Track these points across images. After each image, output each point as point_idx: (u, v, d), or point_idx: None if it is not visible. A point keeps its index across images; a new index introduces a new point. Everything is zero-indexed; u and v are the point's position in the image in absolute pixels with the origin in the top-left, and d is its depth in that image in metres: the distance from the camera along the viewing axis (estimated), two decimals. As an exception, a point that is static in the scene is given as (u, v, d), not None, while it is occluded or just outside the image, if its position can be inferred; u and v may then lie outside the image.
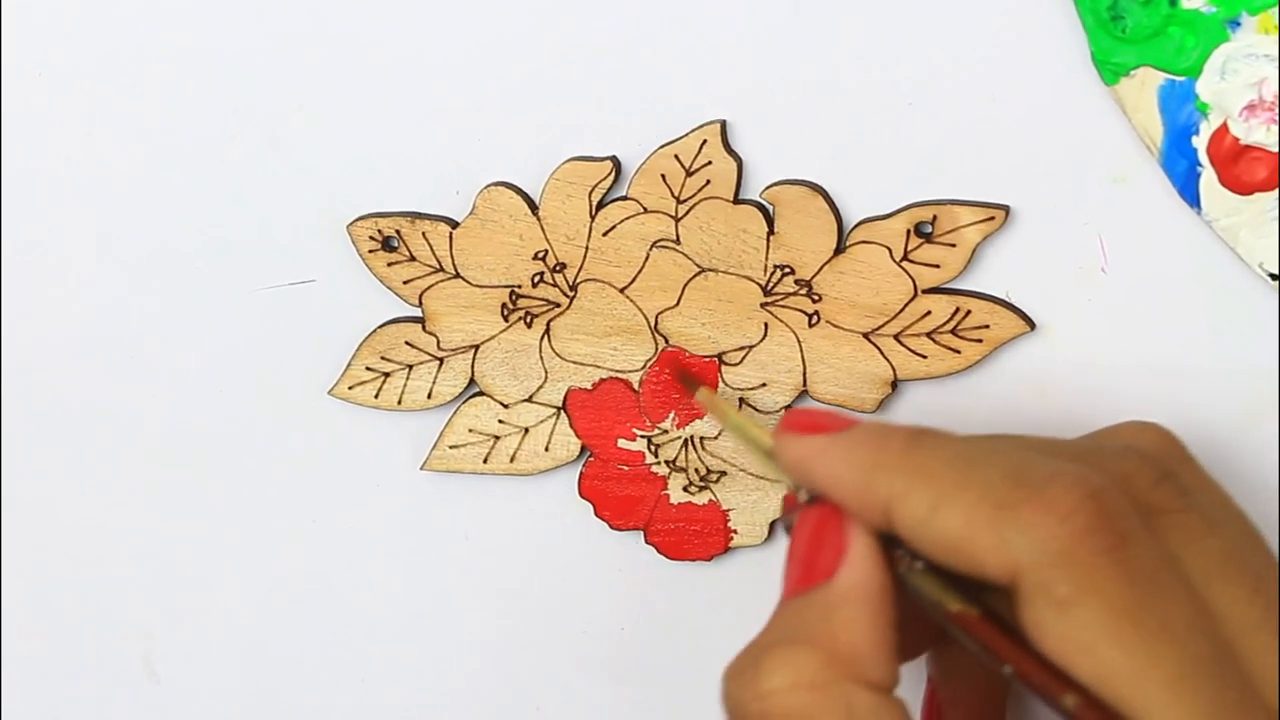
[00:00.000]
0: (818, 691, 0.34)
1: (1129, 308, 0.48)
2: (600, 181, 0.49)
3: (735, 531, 0.51)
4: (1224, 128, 0.44)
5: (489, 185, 0.50)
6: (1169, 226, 0.46)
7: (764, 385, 0.49)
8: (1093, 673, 0.34)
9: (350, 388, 0.52)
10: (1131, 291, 0.47)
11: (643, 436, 0.51)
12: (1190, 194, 0.45)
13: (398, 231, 0.50)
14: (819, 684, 0.35)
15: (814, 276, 0.48)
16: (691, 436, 0.50)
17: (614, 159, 0.49)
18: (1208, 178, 0.45)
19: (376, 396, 0.52)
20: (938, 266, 0.47)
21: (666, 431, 0.50)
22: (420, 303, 0.51)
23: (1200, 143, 0.45)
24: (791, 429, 0.39)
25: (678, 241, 0.49)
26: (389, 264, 0.51)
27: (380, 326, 0.52)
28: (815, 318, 0.48)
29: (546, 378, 0.51)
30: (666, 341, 0.50)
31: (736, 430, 0.43)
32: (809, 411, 0.40)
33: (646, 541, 0.51)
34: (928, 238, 0.47)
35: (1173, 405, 0.48)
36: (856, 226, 0.48)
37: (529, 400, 0.51)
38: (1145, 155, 0.46)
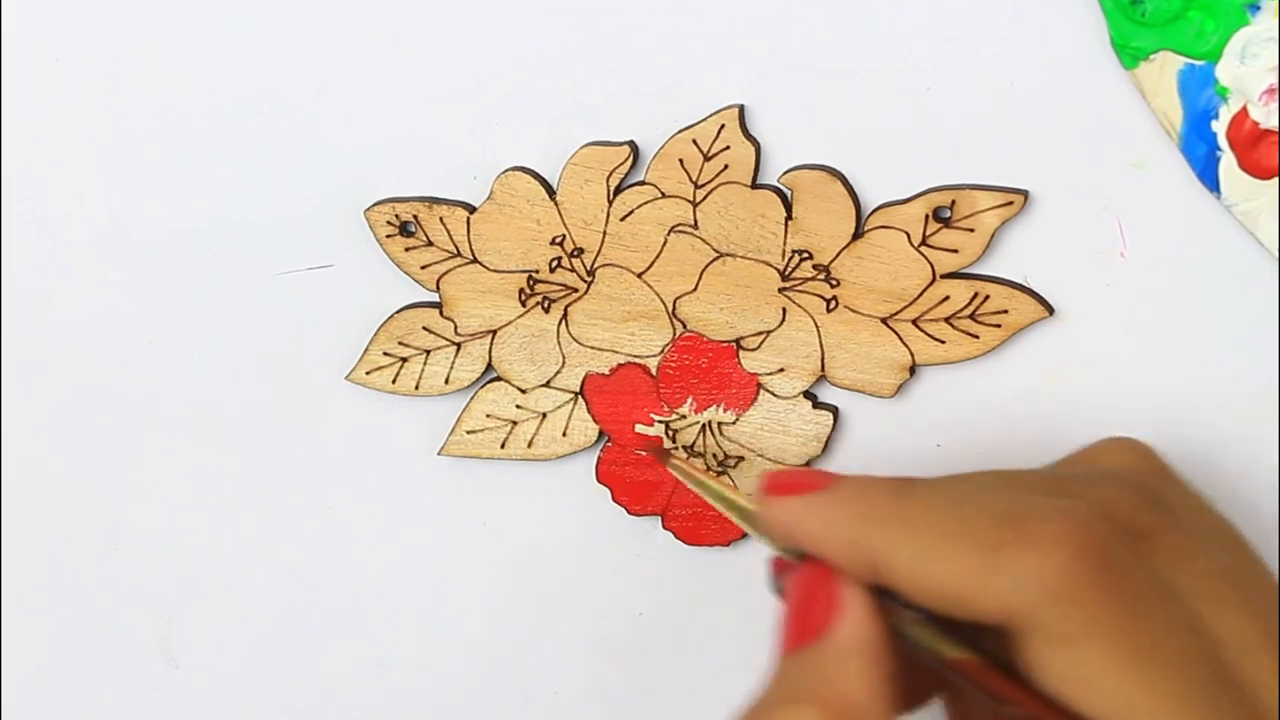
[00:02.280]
0: None
1: (1148, 293, 0.47)
2: (618, 166, 0.49)
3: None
4: (1244, 112, 0.44)
5: (506, 170, 0.50)
6: (1188, 211, 0.46)
7: (782, 370, 0.49)
8: (1095, 706, 0.33)
9: (368, 373, 0.52)
10: (1150, 276, 0.47)
11: (660, 422, 0.50)
12: (1210, 178, 0.45)
13: (415, 216, 0.50)
14: None
15: (832, 261, 0.48)
16: (709, 422, 0.50)
17: (632, 144, 0.49)
18: (1227, 162, 0.45)
19: (394, 382, 0.52)
20: (956, 251, 0.47)
21: (684, 417, 0.50)
22: (438, 288, 0.51)
23: (1220, 127, 0.45)
24: (773, 492, 0.39)
25: (695, 226, 0.49)
26: (406, 249, 0.51)
27: (397, 312, 0.52)
28: (833, 303, 0.48)
29: (564, 363, 0.51)
30: (685, 326, 0.50)
31: (716, 498, 0.42)
32: (788, 472, 0.40)
33: (664, 527, 0.51)
34: (946, 223, 0.47)
35: (1191, 391, 0.48)
36: (875, 211, 0.48)
37: (546, 385, 0.51)
38: (1164, 140, 0.46)
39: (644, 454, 0.50)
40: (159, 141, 0.52)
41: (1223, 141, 0.45)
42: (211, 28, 0.51)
